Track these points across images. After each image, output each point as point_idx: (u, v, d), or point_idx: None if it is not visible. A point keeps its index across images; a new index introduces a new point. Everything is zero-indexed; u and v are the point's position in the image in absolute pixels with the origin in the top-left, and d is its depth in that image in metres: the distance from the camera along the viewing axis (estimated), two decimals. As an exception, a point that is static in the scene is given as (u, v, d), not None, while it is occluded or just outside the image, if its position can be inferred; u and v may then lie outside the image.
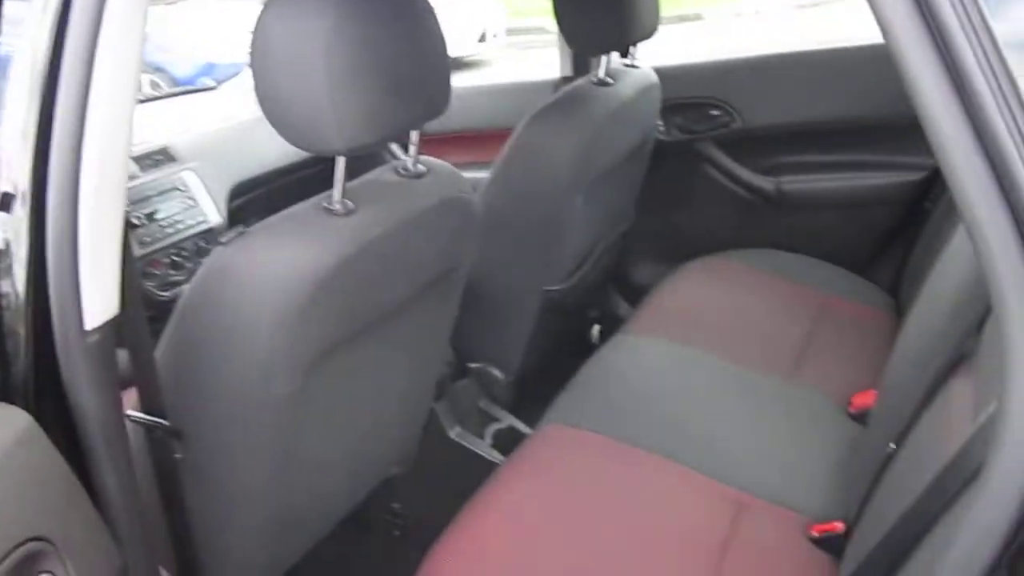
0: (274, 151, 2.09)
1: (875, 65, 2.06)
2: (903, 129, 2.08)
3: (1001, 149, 0.58)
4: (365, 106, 1.07)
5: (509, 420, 1.95)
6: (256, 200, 2.04)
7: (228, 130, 2.12)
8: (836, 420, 1.64)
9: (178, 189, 1.85)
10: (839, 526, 1.34)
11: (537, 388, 2.05)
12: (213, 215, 1.88)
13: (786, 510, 1.40)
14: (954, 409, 1.04)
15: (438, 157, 2.38)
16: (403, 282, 1.31)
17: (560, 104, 1.76)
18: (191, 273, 1.83)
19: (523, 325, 1.90)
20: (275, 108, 1.08)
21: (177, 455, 1.18)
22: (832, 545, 1.33)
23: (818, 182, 2.18)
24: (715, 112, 2.21)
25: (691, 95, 2.21)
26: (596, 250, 2.05)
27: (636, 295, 2.46)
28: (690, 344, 1.82)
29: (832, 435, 1.60)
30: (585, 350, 2.47)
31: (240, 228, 1.11)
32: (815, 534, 1.35)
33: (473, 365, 1.96)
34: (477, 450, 1.85)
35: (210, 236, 1.85)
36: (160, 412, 1.13)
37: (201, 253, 1.84)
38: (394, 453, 1.65)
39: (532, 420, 1.98)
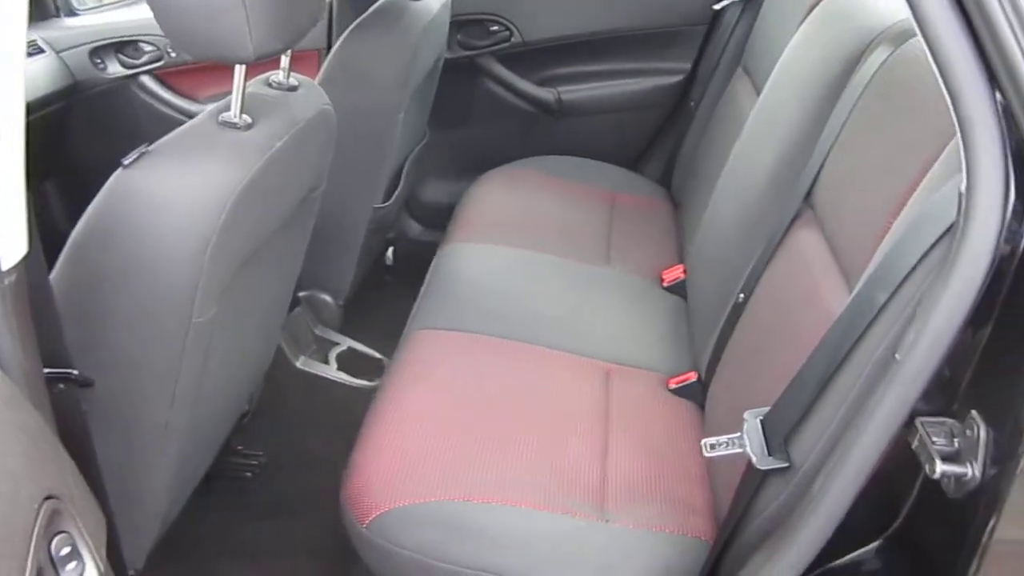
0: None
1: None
2: (661, 37, 2.36)
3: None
4: (275, 10, 1.03)
5: (348, 342, 1.96)
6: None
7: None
8: (656, 294, 1.87)
9: None
10: (693, 376, 1.56)
11: (351, 309, 2.07)
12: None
13: (645, 371, 1.59)
14: (807, 250, 1.26)
15: (194, 87, 2.27)
16: (290, 197, 1.28)
17: (377, 20, 1.75)
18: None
19: (352, 247, 1.91)
20: (174, 14, 1.00)
21: (84, 408, 1.08)
22: (690, 392, 1.54)
23: (592, 90, 2.38)
24: (495, 28, 2.31)
25: (471, 12, 2.28)
26: (405, 167, 2.09)
27: (424, 214, 2.53)
28: (513, 245, 1.94)
29: (658, 306, 1.82)
30: (381, 271, 2.52)
31: (144, 146, 1.03)
32: (674, 386, 1.56)
33: (302, 293, 1.93)
34: (327, 375, 1.84)
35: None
36: (66, 361, 1.03)
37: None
38: (249, 386, 1.61)
39: (364, 339, 2.01)
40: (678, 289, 1.87)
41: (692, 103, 2.26)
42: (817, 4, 1.64)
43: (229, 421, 1.54)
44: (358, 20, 1.73)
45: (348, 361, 1.95)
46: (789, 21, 1.76)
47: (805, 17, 1.66)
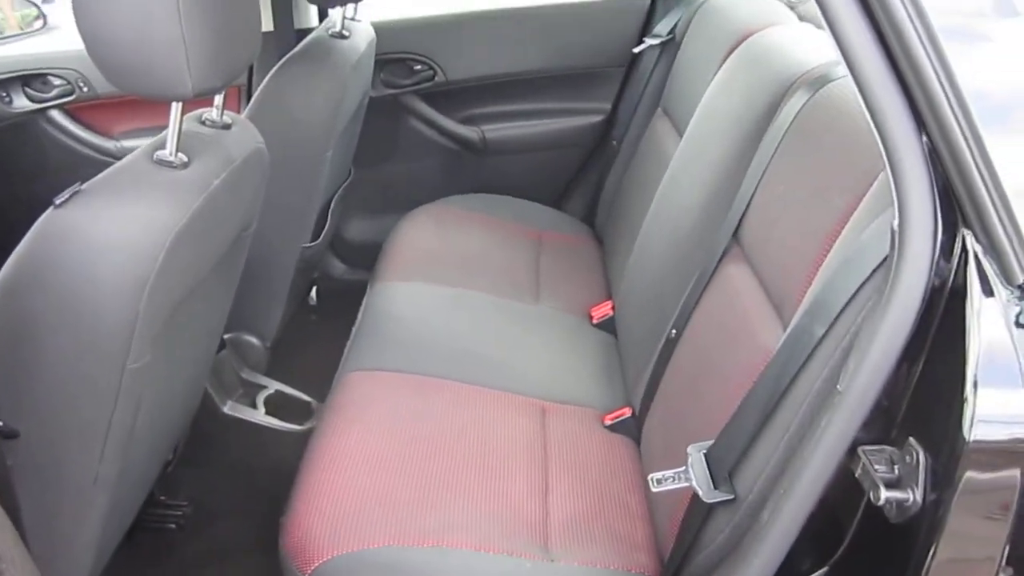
0: None
1: (558, 22, 2.38)
2: (582, 78, 2.42)
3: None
4: (214, 47, 1.02)
5: (275, 385, 1.91)
6: None
7: None
8: (586, 330, 1.89)
9: None
10: (627, 411, 1.58)
11: (276, 351, 2.03)
12: None
13: (580, 407, 1.61)
14: (737, 286, 1.30)
15: (109, 123, 2.20)
16: (225, 238, 1.25)
17: (305, 57, 1.74)
18: None
19: (280, 288, 1.87)
20: (108, 47, 0.97)
21: (8, 462, 1.02)
22: (625, 427, 1.56)
23: (515, 129, 2.41)
24: (418, 67, 2.32)
25: (395, 51, 2.29)
26: (332, 205, 2.07)
27: (348, 252, 2.51)
28: (443, 283, 1.94)
29: (589, 342, 1.84)
30: (306, 311, 2.48)
31: (77, 186, 0.99)
32: (609, 422, 1.58)
33: (227, 335, 1.88)
34: (255, 420, 1.79)
35: None
36: (-12, 412, 0.97)
37: None
38: (177, 433, 1.55)
39: (290, 381, 1.96)
40: (607, 326, 1.90)
41: (614, 142, 2.32)
42: (733, 50, 1.71)
43: (155, 470, 1.48)
44: (285, 57, 1.72)
45: (277, 405, 1.90)
46: (705, 65, 1.83)
47: (722, 63, 1.73)
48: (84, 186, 1.00)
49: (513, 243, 2.19)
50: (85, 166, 1.98)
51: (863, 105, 0.83)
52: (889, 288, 0.82)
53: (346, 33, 1.84)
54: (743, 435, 1.01)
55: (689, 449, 1.08)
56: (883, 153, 0.83)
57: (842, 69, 1.30)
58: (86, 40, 0.97)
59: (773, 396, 0.98)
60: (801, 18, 1.78)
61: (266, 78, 1.68)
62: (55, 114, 2.12)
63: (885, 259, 0.88)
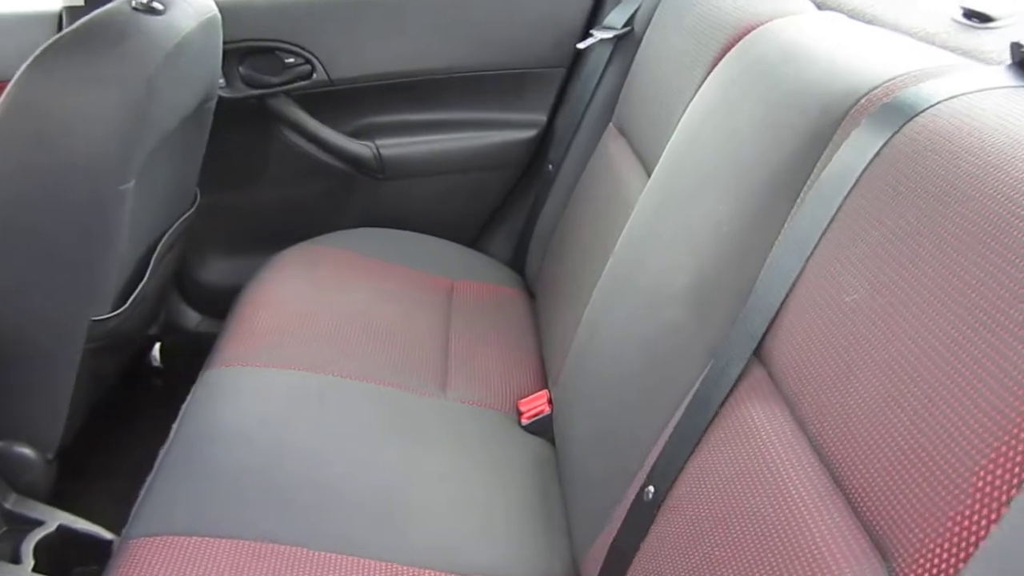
0: None
1: (478, 7, 1.82)
2: (509, 81, 1.87)
3: None
4: None
5: (58, 518, 1.30)
6: None
7: None
8: (513, 438, 1.34)
9: None
10: (574, 592, 1.04)
11: (81, 455, 1.44)
12: None
13: (503, 584, 1.06)
14: (768, 443, 0.77)
15: None
16: None
17: (85, 41, 1.14)
18: None
19: (60, 378, 1.27)
20: None
21: None
22: (571, 620, 1.02)
23: (421, 145, 1.87)
24: (291, 60, 1.75)
25: (258, 37, 1.72)
26: (157, 251, 1.47)
27: (204, 299, 1.94)
28: (308, 366, 1.37)
29: (519, 460, 1.29)
30: (145, 377, 1.91)
31: None
32: (547, 611, 1.04)
33: (-16, 448, 1.27)
34: (11, 586, 1.19)
35: None
36: None
37: None
38: None
39: (89, 510, 1.36)
40: (542, 427, 1.36)
41: (550, 166, 1.78)
42: (727, 50, 1.19)
43: None
44: (52, 39, 1.12)
45: (56, 549, 1.29)
46: (682, 70, 1.31)
47: (710, 67, 1.21)
48: None
49: (415, 298, 1.64)
50: None
51: None
52: None
53: (159, 6, 1.24)
54: None
55: None
56: None
57: (946, 86, 0.79)
58: None
59: None
60: (820, 6, 1.26)
61: (15, 77, 1.08)
62: None
63: None
